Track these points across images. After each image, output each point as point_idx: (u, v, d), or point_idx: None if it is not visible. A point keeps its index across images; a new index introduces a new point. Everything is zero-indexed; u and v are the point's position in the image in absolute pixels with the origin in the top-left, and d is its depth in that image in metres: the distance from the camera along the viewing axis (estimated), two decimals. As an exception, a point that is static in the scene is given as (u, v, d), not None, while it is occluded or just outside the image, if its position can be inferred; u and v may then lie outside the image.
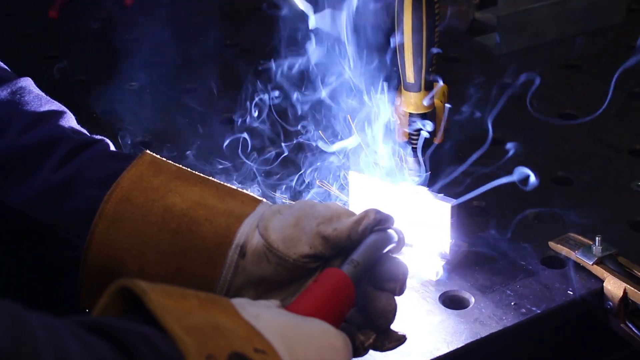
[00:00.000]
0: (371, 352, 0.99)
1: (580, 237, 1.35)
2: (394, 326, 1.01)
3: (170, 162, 1.09)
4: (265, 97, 1.57)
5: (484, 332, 1.23)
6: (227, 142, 1.62)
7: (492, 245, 1.39)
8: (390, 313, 0.98)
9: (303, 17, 1.42)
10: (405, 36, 1.37)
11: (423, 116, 1.45)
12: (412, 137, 1.47)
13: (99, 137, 1.18)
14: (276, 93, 1.57)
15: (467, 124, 1.47)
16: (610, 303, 1.28)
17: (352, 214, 1.02)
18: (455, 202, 1.32)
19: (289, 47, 1.48)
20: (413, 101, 1.43)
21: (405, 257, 1.28)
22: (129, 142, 1.64)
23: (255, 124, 1.62)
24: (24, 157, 1.13)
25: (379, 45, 1.40)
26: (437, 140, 1.48)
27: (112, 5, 2.29)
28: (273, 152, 1.60)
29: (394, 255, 1.01)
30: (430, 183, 1.42)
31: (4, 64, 1.27)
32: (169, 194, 1.04)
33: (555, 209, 1.45)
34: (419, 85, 1.41)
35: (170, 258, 1.02)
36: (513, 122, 1.69)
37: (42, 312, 0.70)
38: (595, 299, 1.29)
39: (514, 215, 1.44)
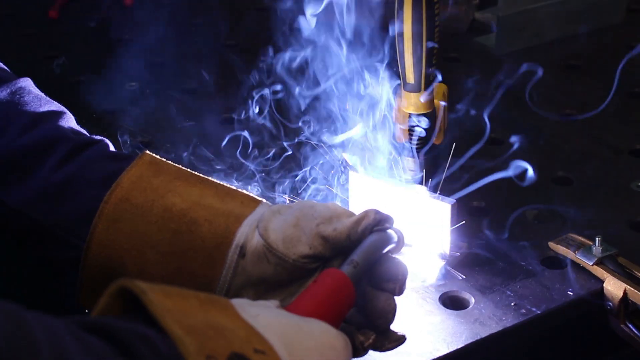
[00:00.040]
0: (371, 352, 0.99)
1: (580, 238, 1.35)
2: (394, 326, 1.01)
3: (170, 162, 1.09)
4: (266, 95, 1.57)
5: (483, 333, 1.23)
6: (227, 141, 1.62)
7: (492, 245, 1.39)
8: (390, 313, 0.99)
9: (302, 10, 1.42)
10: (405, 36, 1.37)
11: (423, 116, 1.45)
12: (412, 138, 1.47)
13: (98, 137, 1.18)
14: (277, 89, 1.57)
15: (466, 124, 1.47)
16: (610, 303, 1.28)
17: (352, 214, 1.02)
18: (455, 202, 1.32)
19: (289, 43, 1.48)
20: (413, 101, 1.43)
21: (405, 257, 1.28)
22: (129, 142, 1.64)
23: (256, 123, 1.62)
24: (24, 158, 1.13)
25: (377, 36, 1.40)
26: (437, 141, 1.48)
27: (111, 5, 2.29)
28: (273, 150, 1.60)
29: (393, 256, 1.01)
30: (428, 179, 1.42)
31: (4, 64, 1.27)
32: (168, 194, 1.04)
33: (555, 208, 1.45)
34: (419, 85, 1.41)
35: (170, 258, 1.02)
36: (513, 122, 1.69)
37: (41, 312, 0.70)
38: (595, 300, 1.29)
39: (514, 216, 1.44)
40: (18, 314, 0.66)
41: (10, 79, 1.21)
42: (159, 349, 0.73)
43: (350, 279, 0.93)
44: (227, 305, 0.83)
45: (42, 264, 1.27)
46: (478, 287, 1.31)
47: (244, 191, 1.09)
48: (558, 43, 2.10)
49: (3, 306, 0.66)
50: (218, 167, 1.56)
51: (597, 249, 1.31)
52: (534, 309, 1.26)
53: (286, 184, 1.51)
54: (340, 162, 1.43)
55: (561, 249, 1.35)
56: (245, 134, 1.58)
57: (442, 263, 1.34)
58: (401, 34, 1.37)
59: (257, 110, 1.57)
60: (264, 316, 0.83)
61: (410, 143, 1.47)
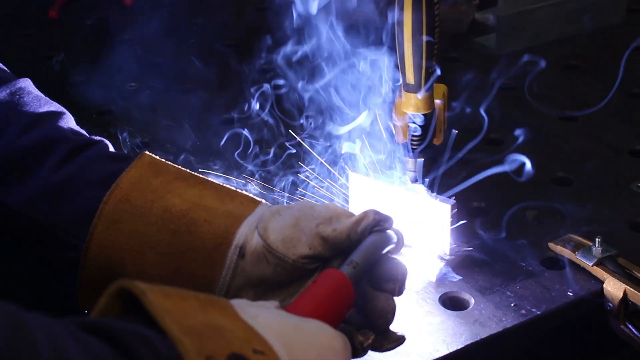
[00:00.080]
0: (370, 352, 0.99)
1: (580, 238, 1.35)
2: (393, 327, 1.01)
3: (169, 163, 1.09)
4: (266, 93, 1.57)
5: (483, 333, 1.23)
6: (226, 140, 1.62)
7: (492, 246, 1.39)
8: (389, 313, 0.99)
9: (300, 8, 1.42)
10: (405, 37, 1.37)
11: (422, 116, 1.45)
12: (411, 138, 1.47)
13: (98, 137, 1.18)
14: (276, 85, 1.56)
15: (465, 121, 1.47)
16: (610, 304, 1.28)
17: (352, 214, 1.02)
18: (455, 202, 1.32)
19: (288, 39, 1.47)
20: (413, 102, 1.42)
21: (404, 257, 1.28)
22: (129, 143, 1.64)
23: (256, 121, 1.62)
24: (23, 158, 1.13)
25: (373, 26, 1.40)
26: (437, 142, 1.48)
27: (111, 5, 2.29)
28: (273, 149, 1.60)
29: (393, 256, 1.01)
30: (425, 174, 1.42)
31: (4, 64, 1.27)
32: (168, 194, 1.04)
33: (555, 209, 1.45)
34: (419, 85, 1.41)
35: (169, 259, 1.02)
36: (513, 122, 1.69)
37: (41, 313, 0.70)
38: (595, 300, 1.29)
39: (513, 216, 1.44)
40: (18, 315, 0.66)
41: (10, 80, 1.21)
42: (159, 350, 0.73)
43: (349, 280, 0.93)
44: (226, 306, 0.83)
45: (42, 265, 1.27)
46: (478, 288, 1.31)
47: (244, 192, 1.09)
48: (558, 43, 2.10)
49: (2, 307, 0.66)
50: (217, 167, 1.56)
51: (597, 249, 1.31)
52: (533, 310, 1.26)
53: (286, 183, 1.51)
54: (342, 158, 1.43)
55: (561, 250, 1.35)
56: (245, 132, 1.58)
57: (442, 263, 1.34)
58: (401, 35, 1.37)
59: (257, 106, 1.57)
60: (263, 317, 0.83)
61: (410, 143, 1.47)
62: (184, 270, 1.02)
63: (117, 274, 1.02)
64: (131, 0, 2.29)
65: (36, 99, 1.19)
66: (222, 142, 1.59)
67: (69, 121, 1.19)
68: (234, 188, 1.08)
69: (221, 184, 1.09)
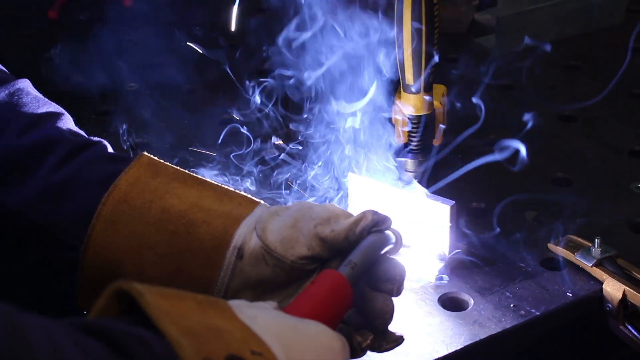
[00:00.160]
0: (369, 353, 0.99)
1: (579, 239, 1.35)
2: (393, 327, 1.01)
3: (168, 163, 1.09)
4: (266, 91, 1.57)
5: (483, 334, 1.23)
6: (226, 140, 1.62)
7: (491, 246, 1.39)
8: (388, 314, 0.99)
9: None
10: (405, 38, 1.37)
11: (423, 118, 1.45)
12: (411, 139, 1.47)
13: (96, 138, 1.18)
14: (276, 84, 1.56)
15: (465, 122, 1.47)
16: (610, 305, 1.27)
17: (350, 215, 1.02)
18: (454, 203, 1.32)
19: (287, 39, 1.47)
20: (412, 103, 1.43)
21: (404, 258, 1.28)
22: (128, 143, 1.64)
23: (255, 120, 1.62)
24: (22, 159, 1.13)
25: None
26: (436, 142, 1.48)
27: (111, 6, 2.29)
28: (273, 147, 1.60)
29: (391, 257, 1.01)
30: (425, 175, 1.42)
31: (3, 64, 1.27)
32: (166, 195, 1.04)
33: (554, 210, 1.45)
34: (419, 87, 1.41)
35: (168, 260, 1.02)
36: (512, 122, 1.68)
37: (38, 314, 0.70)
38: (594, 301, 1.29)
39: (513, 217, 1.44)
40: (14, 316, 0.66)
41: (9, 80, 1.21)
42: (156, 351, 0.73)
43: (348, 280, 0.93)
44: (224, 307, 0.83)
45: (42, 265, 1.27)
46: (477, 289, 1.31)
47: (242, 192, 1.09)
48: (558, 43, 2.10)
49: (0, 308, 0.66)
50: (217, 167, 1.56)
51: (596, 250, 1.31)
52: (533, 311, 1.26)
53: (285, 183, 1.51)
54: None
55: (560, 251, 1.35)
56: (245, 130, 1.59)
57: (441, 264, 1.33)
58: (401, 36, 1.37)
59: (257, 103, 1.57)
60: (261, 318, 0.83)
61: (410, 144, 1.47)
62: (183, 271, 1.02)
63: (116, 274, 1.02)
64: (131, 1, 2.28)
65: (35, 99, 1.19)
66: (220, 140, 1.60)
67: (67, 122, 1.19)
68: (232, 189, 1.08)
69: (220, 184, 1.09)
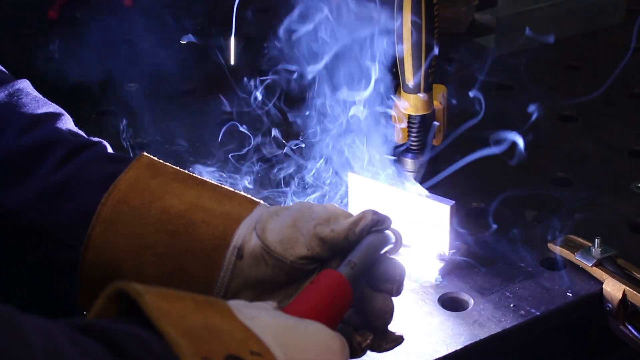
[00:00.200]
0: (369, 352, 0.99)
1: (579, 239, 1.35)
2: (393, 327, 1.01)
3: (167, 164, 1.09)
4: (265, 91, 1.57)
5: (483, 334, 1.23)
6: (227, 141, 1.62)
7: (491, 246, 1.39)
8: (388, 314, 0.99)
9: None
10: (405, 38, 1.37)
11: (422, 118, 1.45)
12: (411, 139, 1.47)
13: (96, 139, 1.18)
14: (275, 84, 1.56)
15: (465, 121, 1.47)
16: (610, 305, 1.27)
17: (350, 215, 1.02)
18: (454, 203, 1.32)
19: (286, 34, 1.47)
20: (412, 103, 1.42)
21: (404, 258, 1.28)
22: (128, 144, 1.64)
23: (255, 120, 1.62)
24: (22, 159, 1.13)
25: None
26: (436, 142, 1.48)
27: (111, 6, 2.29)
28: (272, 146, 1.60)
29: (391, 256, 1.01)
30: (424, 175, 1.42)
31: (3, 64, 1.27)
32: (166, 196, 1.04)
33: (554, 210, 1.45)
34: (419, 86, 1.41)
35: (167, 260, 1.02)
36: (513, 122, 1.68)
37: (37, 315, 0.70)
38: (594, 301, 1.29)
39: (513, 217, 1.44)
40: (12, 317, 0.66)
41: (9, 81, 1.21)
42: (155, 352, 0.73)
43: (347, 280, 0.93)
44: (224, 307, 0.83)
45: (42, 265, 1.27)
46: (477, 289, 1.31)
47: (242, 192, 1.09)
48: (558, 43, 2.10)
49: (-3, 309, 0.66)
50: (216, 165, 1.56)
51: (596, 250, 1.31)
52: (533, 311, 1.26)
53: (285, 182, 1.51)
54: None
55: (560, 250, 1.35)
56: (245, 129, 1.59)
57: (441, 264, 1.33)
58: (400, 35, 1.37)
59: (257, 102, 1.57)
60: (260, 318, 0.83)
61: (409, 144, 1.47)
62: (182, 272, 1.02)
63: (116, 274, 1.02)
64: (131, 1, 2.28)
65: (34, 100, 1.19)
66: (219, 139, 1.59)
67: (67, 122, 1.19)
68: (232, 189, 1.08)
69: (219, 185, 1.09)
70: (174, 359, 0.73)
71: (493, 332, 1.23)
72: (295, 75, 1.48)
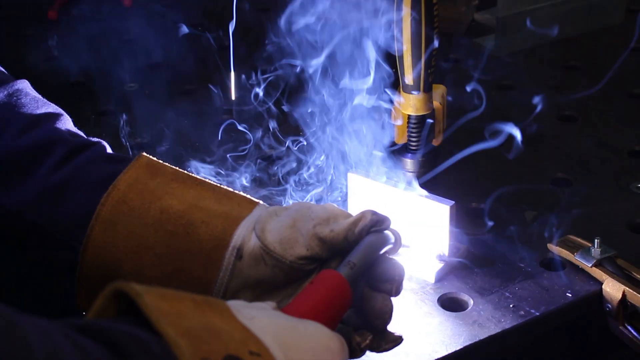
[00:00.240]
0: (368, 353, 0.99)
1: (579, 239, 1.35)
2: (392, 327, 1.01)
3: (167, 164, 1.09)
4: (265, 88, 1.57)
5: (482, 335, 1.23)
6: (227, 140, 1.62)
7: (491, 247, 1.39)
8: (387, 314, 0.99)
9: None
10: (404, 38, 1.37)
11: (422, 118, 1.45)
12: (410, 139, 1.47)
13: (95, 139, 1.18)
14: (274, 83, 1.56)
15: (465, 124, 1.47)
16: (609, 305, 1.27)
17: (349, 215, 1.02)
18: (454, 203, 1.32)
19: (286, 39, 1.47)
20: (412, 103, 1.42)
21: (403, 258, 1.28)
22: (128, 144, 1.64)
23: (257, 119, 1.62)
24: (21, 160, 1.13)
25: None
26: (436, 142, 1.48)
27: (111, 6, 2.29)
28: (271, 144, 1.60)
29: (390, 257, 1.01)
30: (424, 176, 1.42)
31: (2, 65, 1.27)
32: (165, 196, 1.04)
33: (554, 210, 1.45)
34: (418, 87, 1.41)
35: (166, 260, 1.02)
36: (513, 121, 1.68)
37: (37, 315, 0.70)
38: (594, 302, 1.29)
39: (512, 217, 1.44)
40: (11, 317, 0.66)
41: (8, 81, 1.21)
42: (154, 352, 0.73)
43: (347, 280, 0.93)
44: (223, 308, 0.83)
45: (42, 265, 1.27)
46: (477, 289, 1.31)
47: (241, 193, 1.09)
48: (558, 43, 2.10)
49: (-5, 309, 0.66)
50: (215, 164, 1.56)
51: (596, 250, 1.31)
52: (532, 311, 1.26)
53: (284, 181, 1.51)
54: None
55: (560, 251, 1.35)
56: (245, 129, 1.59)
57: (440, 264, 1.33)
58: (400, 35, 1.37)
59: (257, 100, 1.57)
60: (260, 318, 0.83)
61: (409, 144, 1.47)
62: (182, 272, 1.02)
63: (115, 275, 1.02)
64: (130, 1, 2.28)
65: (34, 100, 1.19)
66: (219, 138, 1.59)
67: (66, 122, 1.19)
68: (231, 189, 1.08)
69: (219, 185, 1.09)
70: (173, 359, 0.73)
71: (492, 332, 1.23)
72: (294, 73, 1.48)
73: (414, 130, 1.46)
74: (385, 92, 1.39)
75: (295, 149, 1.55)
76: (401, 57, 1.39)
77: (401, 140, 1.47)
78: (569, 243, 1.35)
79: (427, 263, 1.34)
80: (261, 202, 1.07)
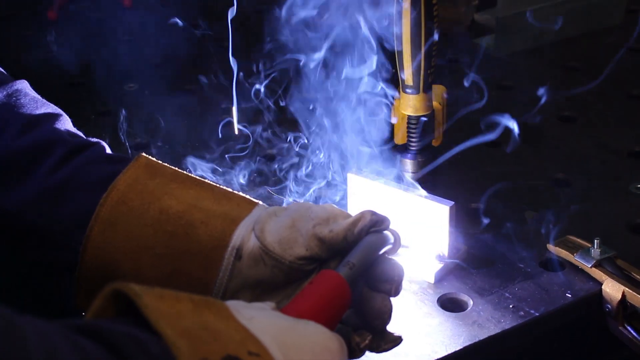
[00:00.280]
0: (367, 353, 0.99)
1: (578, 240, 1.35)
2: (392, 328, 1.01)
3: (166, 164, 1.09)
4: (266, 93, 1.57)
5: (482, 335, 1.23)
6: (226, 140, 1.62)
7: (491, 247, 1.39)
8: (386, 314, 0.98)
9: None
10: (404, 38, 1.37)
11: (421, 118, 1.45)
12: (410, 139, 1.47)
13: (94, 139, 1.18)
14: (273, 84, 1.56)
15: (465, 119, 1.47)
16: (609, 306, 1.27)
17: (348, 215, 1.02)
18: (453, 203, 1.32)
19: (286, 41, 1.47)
20: (412, 103, 1.42)
21: (403, 258, 1.28)
22: (127, 144, 1.64)
23: (257, 119, 1.62)
24: (20, 160, 1.13)
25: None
26: (435, 143, 1.48)
27: (110, 6, 2.29)
28: (271, 144, 1.60)
29: (390, 257, 1.01)
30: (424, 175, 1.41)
31: (2, 65, 1.27)
32: (164, 196, 1.04)
33: (553, 211, 1.45)
34: (418, 87, 1.41)
35: (166, 261, 1.02)
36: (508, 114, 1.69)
37: (35, 316, 0.69)
38: (593, 302, 1.29)
39: (512, 217, 1.44)
40: (10, 318, 0.66)
41: (7, 81, 1.20)
42: (153, 352, 0.73)
43: (346, 281, 0.93)
44: (222, 308, 0.83)
45: (41, 265, 1.27)
46: (476, 289, 1.31)
47: (241, 193, 1.09)
48: (558, 44, 2.10)
49: (-6, 310, 0.66)
50: (214, 163, 1.56)
51: (595, 251, 1.31)
52: (532, 311, 1.26)
53: (284, 181, 1.51)
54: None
55: (560, 251, 1.35)
56: (245, 129, 1.58)
57: (440, 265, 1.33)
58: (400, 36, 1.37)
59: (257, 100, 1.57)
60: (259, 318, 0.83)
61: (409, 144, 1.47)
62: (181, 272, 1.02)
63: (114, 275, 1.02)
64: (130, 1, 2.28)
65: (33, 100, 1.19)
66: (219, 137, 1.59)
67: (65, 123, 1.19)
68: (230, 190, 1.08)
69: (218, 185, 1.09)
70: (172, 359, 0.73)
71: (492, 332, 1.23)
72: (293, 71, 1.47)
73: (413, 131, 1.45)
74: (385, 91, 1.39)
75: (296, 148, 1.55)
76: (401, 58, 1.39)
77: (401, 141, 1.47)
78: (568, 243, 1.35)
79: (427, 263, 1.34)
80: (260, 202, 1.07)
